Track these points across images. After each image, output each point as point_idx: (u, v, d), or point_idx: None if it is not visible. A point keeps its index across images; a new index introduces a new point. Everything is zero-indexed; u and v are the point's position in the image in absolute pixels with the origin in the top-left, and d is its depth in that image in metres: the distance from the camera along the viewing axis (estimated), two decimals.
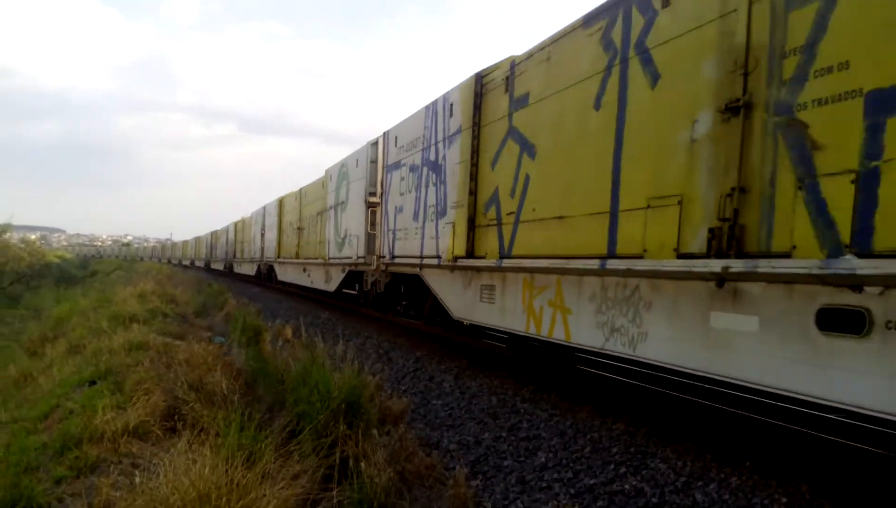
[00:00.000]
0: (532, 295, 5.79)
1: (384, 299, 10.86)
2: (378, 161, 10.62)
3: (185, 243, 62.74)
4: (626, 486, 3.81)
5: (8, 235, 39.41)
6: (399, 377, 7.36)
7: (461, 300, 7.30)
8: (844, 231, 2.95)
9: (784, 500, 3.38)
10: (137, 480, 3.36)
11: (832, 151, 3.07)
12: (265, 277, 23.80)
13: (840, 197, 2.99)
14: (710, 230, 3.70)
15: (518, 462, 4.43)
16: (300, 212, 17.59)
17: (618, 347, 4.55)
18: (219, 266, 37.64)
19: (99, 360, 7.36)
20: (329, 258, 13.56)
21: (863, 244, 2.86)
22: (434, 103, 8.26)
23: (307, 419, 4.52)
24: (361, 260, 11.06)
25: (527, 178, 5.91)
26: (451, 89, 7.69)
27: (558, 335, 5.33)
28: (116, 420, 4.70)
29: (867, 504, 3.30)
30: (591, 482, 3.95)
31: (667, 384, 5.98)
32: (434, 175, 8.05)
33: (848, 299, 2.96)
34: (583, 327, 5.00)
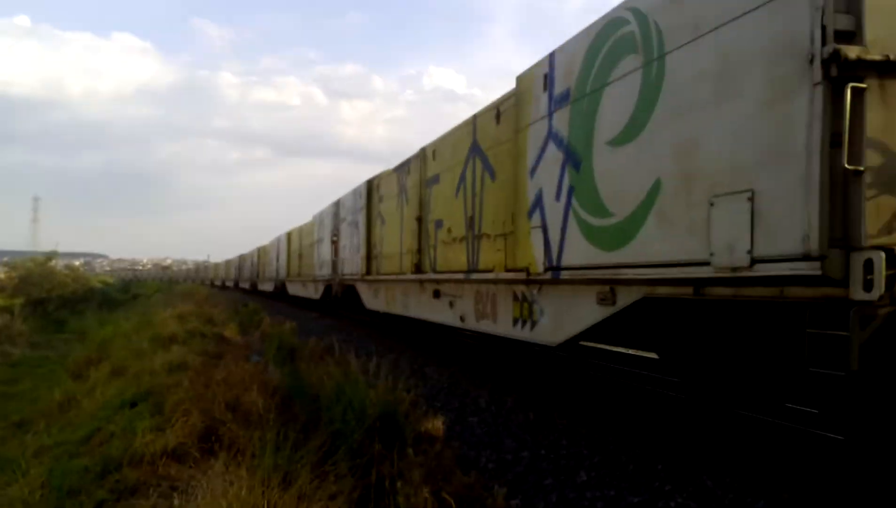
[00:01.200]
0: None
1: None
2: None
3: (217, 265, 65.01)
4: (672, 504, 3.61)
5: (53, 262, 41.16)
6: (434, 394, 7.26)
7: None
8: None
9: None
10: (176, 503, 3.36)
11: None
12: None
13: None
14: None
15: (559, 480, 4.26)
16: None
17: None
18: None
19: (140, 381, 7.49)
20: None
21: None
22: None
23: (342, 438, 4.46)
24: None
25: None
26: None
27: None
28: (156, 443, 4.73)
29: None
30: (636, 500, 3.76)
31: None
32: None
33: None
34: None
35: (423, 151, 10.23)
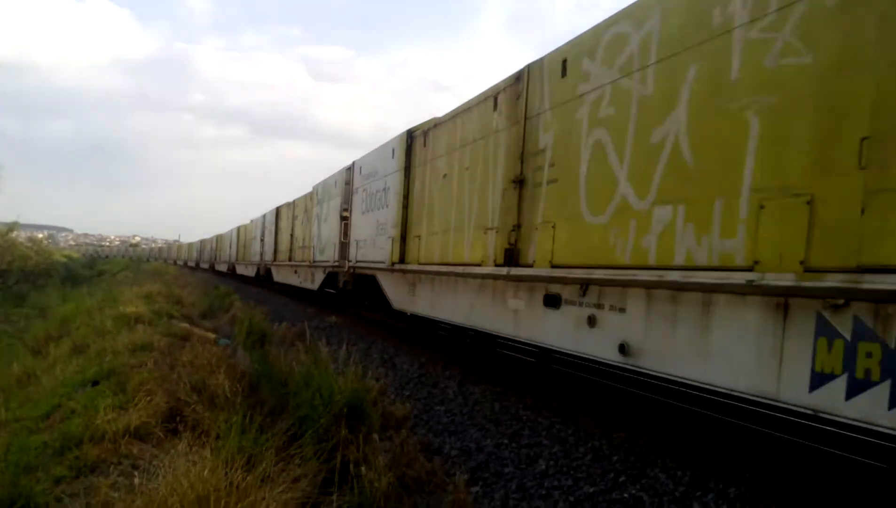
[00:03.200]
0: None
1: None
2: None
3: (191, 244, 63.08)
4: (625, 494, 3.77)
5: (15, 233, 39.74)
6: (403, 383, 7.32)
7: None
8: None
9: None
10: (136, 481, 3.34)
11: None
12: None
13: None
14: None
15: (519, 468, 4.38)
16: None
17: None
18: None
19: (102, 360, 7.36)
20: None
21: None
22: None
23: (309, 422, 4.50)
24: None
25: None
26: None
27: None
28: (118, 421, 4.69)
29: None
30: (591, 490, 3.91)
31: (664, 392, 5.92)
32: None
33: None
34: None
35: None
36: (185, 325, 11.98)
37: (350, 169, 12.92)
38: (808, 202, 3.02)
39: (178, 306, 15.10)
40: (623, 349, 4.28)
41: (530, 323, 5.65)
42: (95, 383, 6.49)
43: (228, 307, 16.67)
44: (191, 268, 53.57)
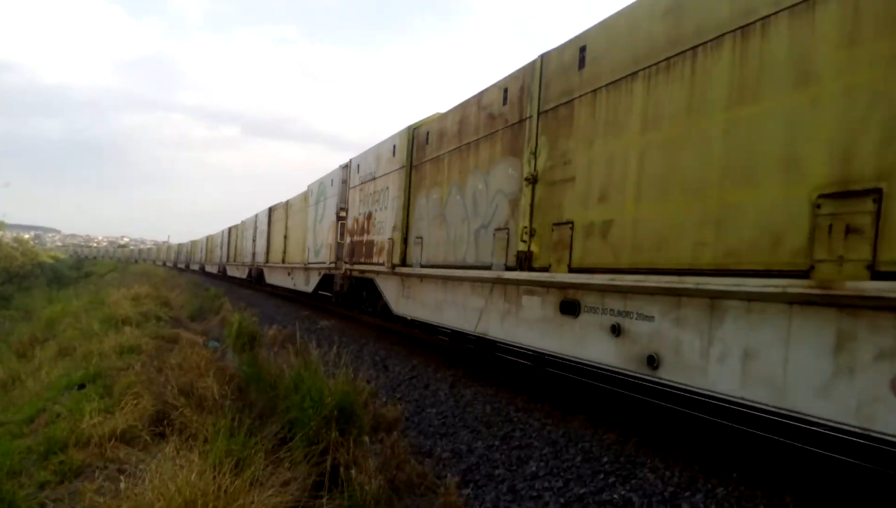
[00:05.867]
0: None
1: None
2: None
3: (181, 245, 62.39)
4: (615, 495, 3.77)
5: (0, 233, 39.21)
6: (395, 385, 7.30)
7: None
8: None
9: None
10: (122, 485, 3.30)
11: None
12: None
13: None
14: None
15: (510, 470, 4.38)
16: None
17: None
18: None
19: (89, 363, 7.27)
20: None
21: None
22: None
23: (299, 425, 4.46)
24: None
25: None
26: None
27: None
28: (104, 425, 4.63)
29: None
30: (581, 491, 3.91)
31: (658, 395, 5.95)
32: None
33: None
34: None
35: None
36: (176, 329, 11.87)
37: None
38: None
39: (167, 309, 14.95)
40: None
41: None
42: (81, 386, 6.40)
43: (218, 310, 16.53)
44: (180, 270, 53.10)
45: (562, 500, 3.82)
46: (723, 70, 3.67)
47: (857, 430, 2.91)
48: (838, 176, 3.04)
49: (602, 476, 4.08)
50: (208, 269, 40.25)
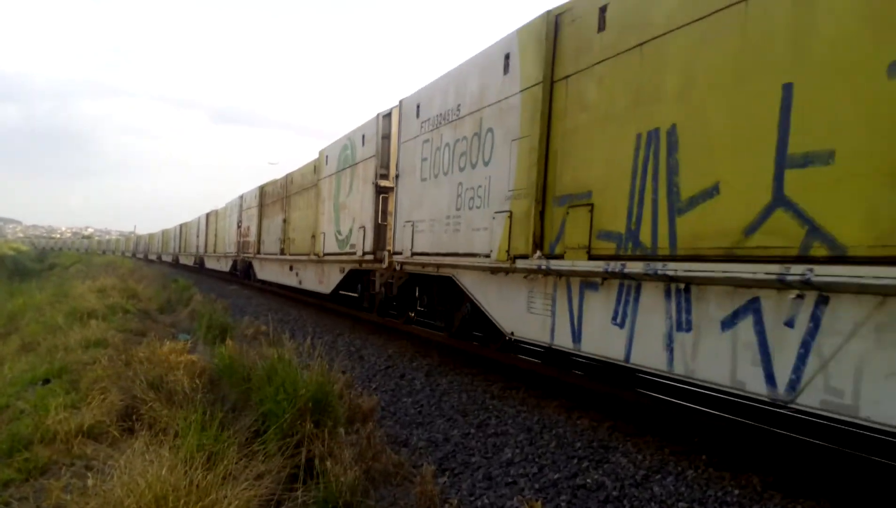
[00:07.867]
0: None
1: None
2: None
3: (152, 235, 60.25)
4: (588, 480, 3.85)
5: None
6: (370, 375, 7.28)
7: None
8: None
9: (736, 492, 3.50)
10: (90, 482, 3.22)
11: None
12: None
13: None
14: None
15: (485, 458, 4.42)
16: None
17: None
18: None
19: (53, 357, 7.05)
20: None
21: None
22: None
23: (272, 418, 4.41)
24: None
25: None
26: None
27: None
28: (70, 421, 4.50)
29: (811, 495, 3.41)
30: (556, 476, 3.98)
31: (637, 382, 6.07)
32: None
33: None
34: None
35: None
36: (144, 322, 11.59)
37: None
38: None
39: (134, 301, 14.57)
40: None
41: None
42: (46, 381, 6.21)
43: (188, 302, 16.20)
44: (150, 261, 51.76)
45: (536, 486, 3.88)
46: None
47: None
48: None
49: (576, 460, 4.16)
50: (183, 261, 37.86)
